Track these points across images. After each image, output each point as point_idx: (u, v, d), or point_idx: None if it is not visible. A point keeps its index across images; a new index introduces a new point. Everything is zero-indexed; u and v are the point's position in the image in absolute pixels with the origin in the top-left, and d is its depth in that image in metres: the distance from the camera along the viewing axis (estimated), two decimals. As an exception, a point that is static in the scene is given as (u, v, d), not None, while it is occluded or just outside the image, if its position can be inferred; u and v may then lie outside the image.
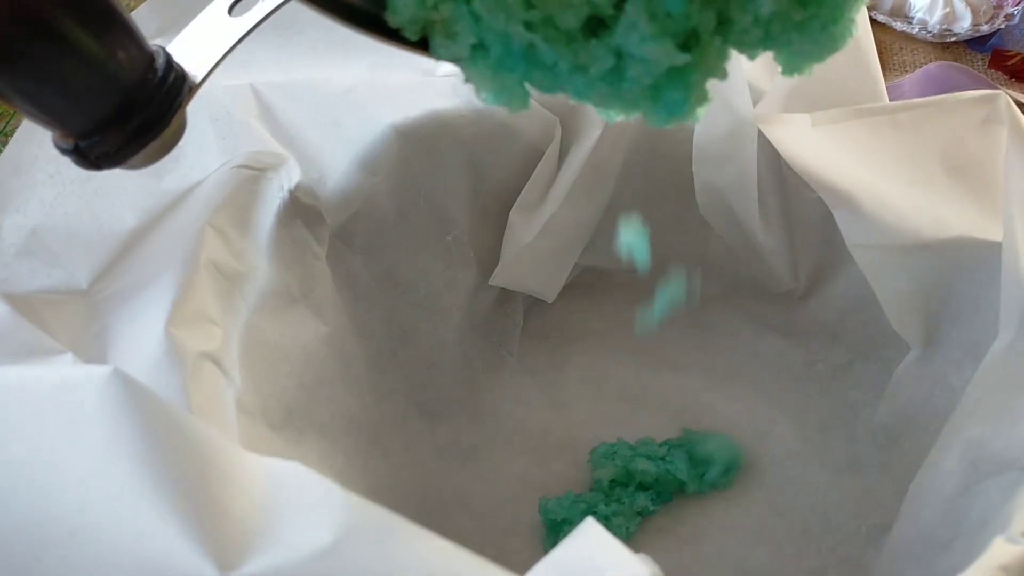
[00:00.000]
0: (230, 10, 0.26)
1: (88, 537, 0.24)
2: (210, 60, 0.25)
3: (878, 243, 0.40)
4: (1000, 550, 0.27)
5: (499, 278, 0.51)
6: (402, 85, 0.45)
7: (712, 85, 0.43)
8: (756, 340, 0.53)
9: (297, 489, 0.26)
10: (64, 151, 0.24)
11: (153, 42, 0.38)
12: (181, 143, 0.39)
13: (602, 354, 0.54)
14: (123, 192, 0.38)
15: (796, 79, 0.42)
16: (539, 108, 0.49)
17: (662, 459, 0.47)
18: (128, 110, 0.23)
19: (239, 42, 0.26)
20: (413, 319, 0.49)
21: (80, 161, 0.24)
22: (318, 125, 0.43)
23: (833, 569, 0.44)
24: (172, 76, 0.24)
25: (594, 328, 0.55)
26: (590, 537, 0.26)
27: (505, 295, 0.54)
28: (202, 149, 0.40)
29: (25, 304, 0.33)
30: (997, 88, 0.45)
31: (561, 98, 0.47)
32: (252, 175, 0.40)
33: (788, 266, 0.49)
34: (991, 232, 0.38)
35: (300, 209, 0.43)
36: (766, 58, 0.44)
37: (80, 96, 0.22)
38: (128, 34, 0.23)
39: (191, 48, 0.25)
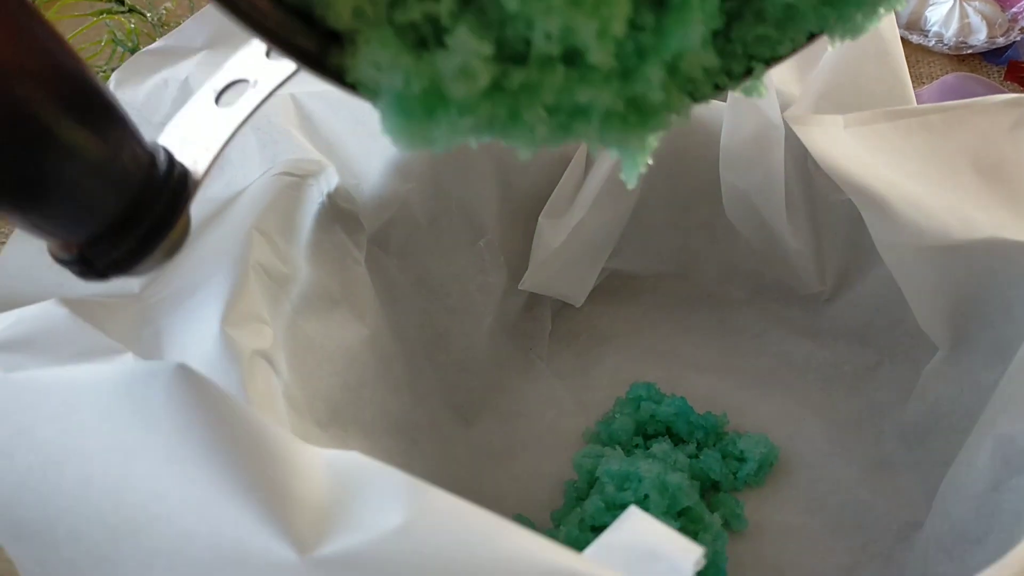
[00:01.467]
0: (217, 100, 0.26)
1: (165, 524, 0.24)
2: (209, 154, 0.24)
3: (908, 243, 0.41)
4: None
5: (528, 282, 0.52)
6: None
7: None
8: (783, 342, 0.53)
9: (361, 476, 0.26)
10: (64, 263, 0.22)
11: (198, 55, 0.39)
12: (226, 152, 0.41)
13: (629, 357, 0.55)
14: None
15: (825, 82, 0.43)
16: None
17: (695, 457, 0.48)
18: (136, 212, 0.22)
19: (235, 134, 0.25)
20: (447, 322, 0.50)
21: (85, 271, 0.22)
22: (355, 133, 0.44)
23: (865, 566, 0.44)
24: (176, 173, 0.23)
25: (621, 331, 0.56)
26: (637, 522, 0.27)
27: (534, 299, 0.55)
28: (245, 157, 0.41)
29: (82, 307, 0.33)
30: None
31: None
32: (294, 181, 0.41)
33: (815, 268, 0.50)
34: (1021, 233, 0.39)
35: (339, 214, 0.43)
36: (793, 63, 0.46)
37: (85, 201, 0.21)
38: (129, 131, 0.21)
39: (185, 142, 0.25)
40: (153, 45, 0.39)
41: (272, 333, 0.36)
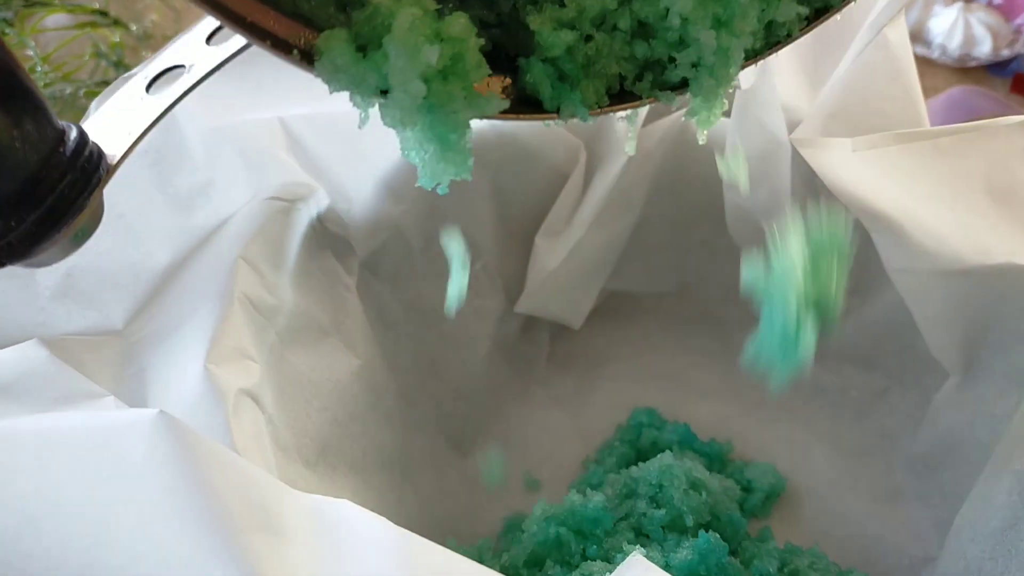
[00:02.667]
0: (148, 88, 0.25)
1: (143, 588, 0.23)
2: (129, 139, 0.23)
3: (919, 268, 0.40)
4: None
5: (525, 305, 0.51)
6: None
7: (747, 104, 0.43)
8: (788, 365, 0.52)
9: (349, 530, 0.25)
10: None
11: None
12: (212, 176, 0.39)
13: (630, 381, 0.53)
14: (154, 230, 0.38)
15: (835, 101, 0.42)
16: (563, 132, 0.48)
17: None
18: (36, 191, 0.20)
19: (158, 119, 0.24)
20: (441, 349, 0.48)
21: None
22: (346, 156, 0.43)
23: (875, 603, 0.43)
24: (86, 152, 0.22)
25: (621, 354, 0.55)
26: (640, 572, 0.26)
27: (530, 322, 0.54)
28: (231, 183, 0.39)
29: (62, 348, 0.32)
30: (1022, 113, 0.45)
31: (586, 123, 0.47)
32: (283, 206, 0.40)
33: (820, 291, 0.49)
34: (1035, 258, 0.37)
35: (330, 239, 0.42)
36: (804, 79, 0.44)
37: None
38: (33, 103, 0.20)
39: (108, 127, 0.23)
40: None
41: (259, 369, 0.35)
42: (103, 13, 0.67)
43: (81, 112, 0.65)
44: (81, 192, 0.21)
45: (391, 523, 0.25)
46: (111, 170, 0.23)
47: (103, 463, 0.25)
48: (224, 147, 0.39)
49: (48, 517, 0.25)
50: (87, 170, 0.22)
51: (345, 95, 0.40)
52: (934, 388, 0.45)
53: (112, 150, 0.23)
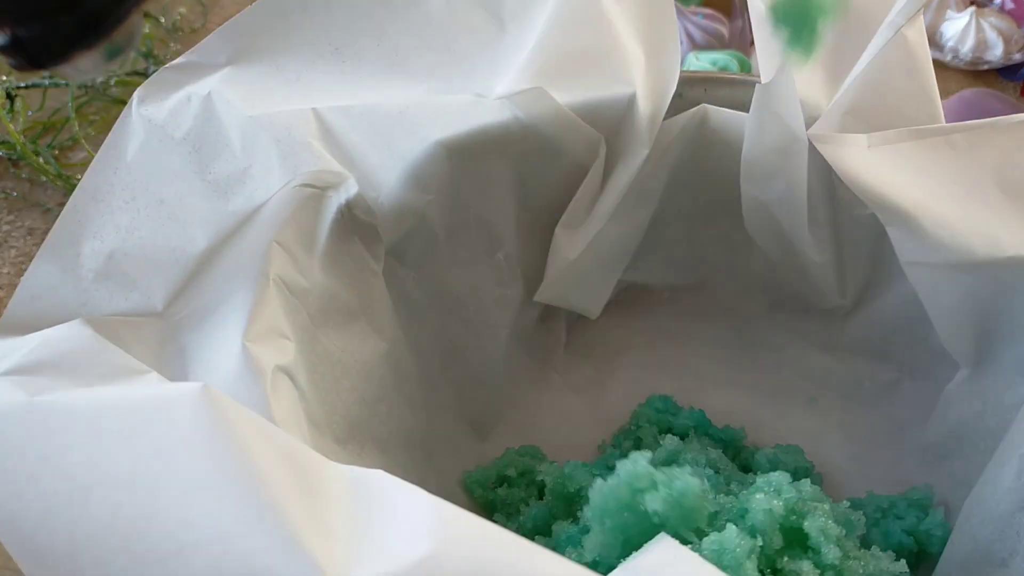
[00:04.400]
0: None
1: (193, 554, 0.24)
2: None
3: (932, 261, 0.41)
4: None
5: (544, 294, 0.52)
6: (453, 105, 0.46)
7: (766, 98, 0.44)
8: (802, 357, 0.53)
9: (387, 498, 0.26)
10: (2, 49, 0.21)
11: (222, 71, 0.39)
12: (248, 164, 0.41)
13: (645, 370, 0.55)
14: (193, 215, 0.39)
15: (852, 98, 0.43)
16: (584, 126, 0.49)
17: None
18: (69, 1, 0.21)
19: None
20: (463, 336, 0.50)
21: (18, 58, 0.21)
22: (375, 145, 0.44)
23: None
24: None
25: (637, 344, 0.56)
26: (667, 550, 0.27)
27: (548, 311, 0.55)
28: (267, 170, 0.41)
29: (105, 327, 0.33)
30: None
31: (606, 116, 0.48)
32: (314, 193, 0.41)
33: (835, 282, 0.50)
34: (1046, 252, 0.38)
35: (358, 226, 0.43)
36: (823, 75, 0.45)
37: None
38: None
39: None
40: (176, 60, 0.39)
41: (293, 347, 0.36)
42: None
43: (112, 101, 0.67)
44: (119, 5, 0.22)
45: (426, 493, 0.26)
46: None
47: (150, 435, 0.26)
48: (260, 136, 0.40)
49: (98, 486, 0.26)
50: None
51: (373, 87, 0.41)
52: (945, 380, 0.46)
53: None
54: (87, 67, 0.23)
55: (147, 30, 0.68)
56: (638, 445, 0.48)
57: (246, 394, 0.32)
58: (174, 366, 0.34)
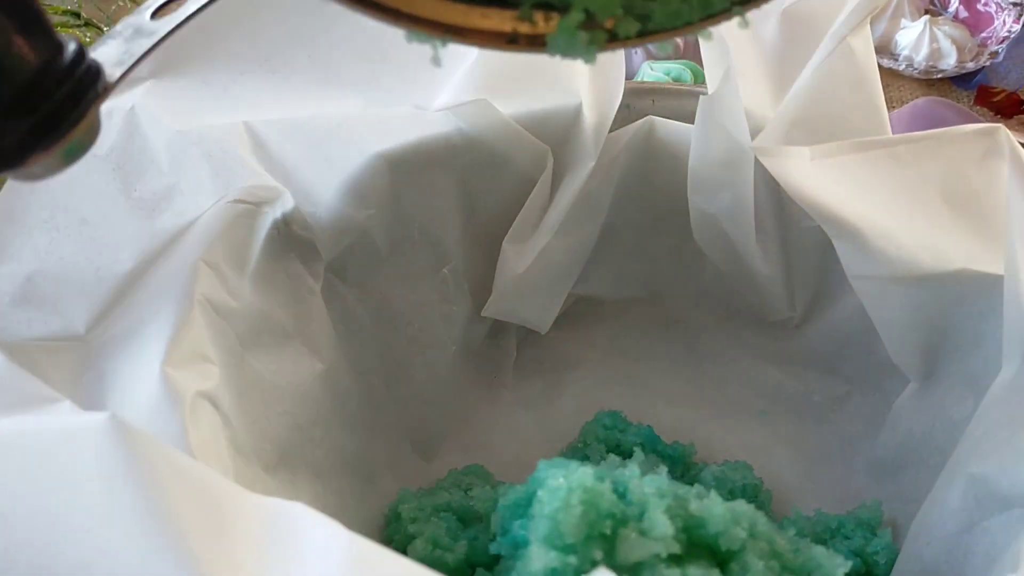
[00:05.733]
0: (153, 16, 0.25)
1: (91, 597, 0.23)
2: (130, 59, 0.24)
3: (878, 274, 0.40)
4: None
5: (492, 309, 0.51)
6: (393, 117, 0.45)
7: (711, 110, 0.43)
8: (752, 370, 0.52)
9: (302, 535, 0.25)
10: None
11: (144, 84, 0.38)
12: (177, 180, 0.39)
13: (596, 385, 0.54)
14: (117, 234, 0.38)
15: (798, 109, 0.42)
16: (529, 138, 0.48)
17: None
18: (31, 97, 0.21)
19: (159, 43, 0.24)
20: (408, 353, 0.48)
21: None
22: (312, 159, 0.43)
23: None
24: (84, 65, 0.22)
25: (588, 358, 0.55)
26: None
27: (498, 327, 0.54)
28: (196, 186, 0.39)
29: (21, 352, 0.32)
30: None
31: (552, 128, 0.47)
32: (247, 209, 0.40)
33: (784, 295, 0.49)
34: (992, 265, 0.38)
35: (295, 242, 0.42)
36: (768, 86, 0.45)
37: None
38: (31, 12, 0.20)
39: (110, 50, 0.24)
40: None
41: (218, 372, 0.35)
42: (75, 14, 0.67)
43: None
44: (77, 103, 0.21)
45: (343, 527, 0.25)
46: (109, 87, 0.23)
47: (52, 468, 0.25)
48: (189, 151, 0.39)
49: None
50: (84, 83, 0.22)
51: (307, 100, 0.40)
52: (894, 393, 0.45)
53: (112, 70, 0.23)
54: (44, 171, 0.22)
55: (88, 39, 0.66)
56: (585, 462, 0.47)
57: (162, 422, 0.31)
58: (92, 392, 0.33)
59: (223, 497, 0.26)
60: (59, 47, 0.21)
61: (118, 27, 0.25)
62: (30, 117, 0.21)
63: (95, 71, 0.22)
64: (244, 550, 0.24)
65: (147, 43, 0.24)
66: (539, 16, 0.23)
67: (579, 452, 0.49)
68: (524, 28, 0.23)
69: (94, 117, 0.22)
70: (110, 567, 0.24)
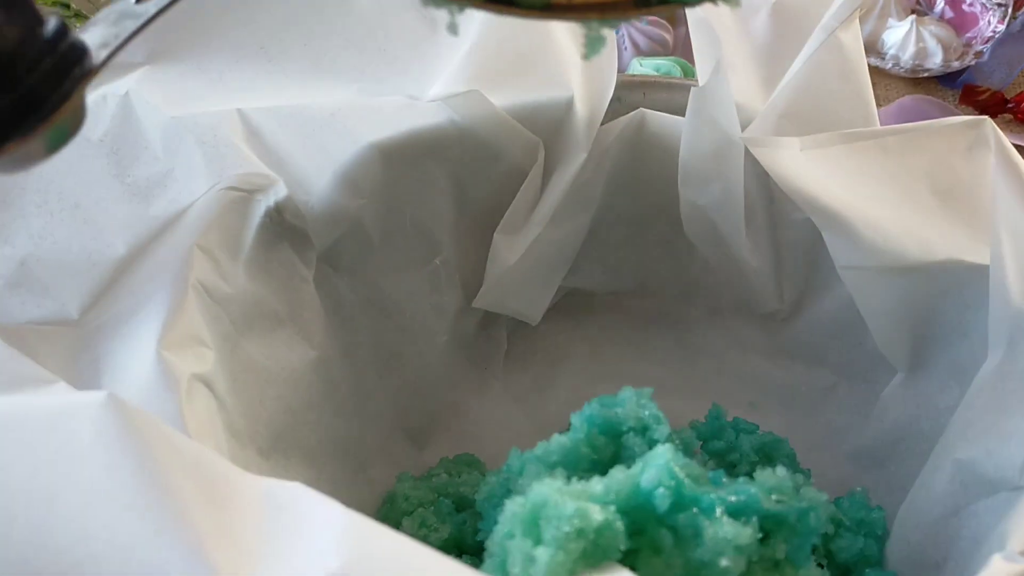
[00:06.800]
0: (138, 0, 0.24)
1: (92, 568, 0.23)
2: (116, 40, 0.22)
3: (866, 265, 0.41)
4: (999, 568, 0.27)
5: (483, 300, 0.51)
6: (386, 107, 0.45)
7: (701, 102, 0.44)
8: (741, 362, 0.53)
9: (300, 511, 0.25)
10: None
11: (139, 70, 0.37)
12: (171, 166, 0.39)
13: (586, 377, 0.54)
14: (111, 220, 0.38)
15: (788, 102, 0.43)
16: (522, 130, 0.48)
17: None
18: (12, 70, 0.19)
19: (144, 25, 0.23)
20: (399, 343, 0.49)
21: None
22: (305, 147, 0.43)
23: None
24: (67, 43, 0.20)
25: (578, 351, 0.55)
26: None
27: (489, 318, 0.54)
28: (190, 173, 0.39)
29: (16, 335, 0.32)
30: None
31: (544, 120, 0.47)
32: (241, 197, 0.40)
33: (773, 287, 0.50)
34: (977, 255, 0.38)
35: (288, 231, 0.42)
36: (758, 79, 0.45)
37: None
38: None
39: (97, 32, 0.23)
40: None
41: (212, 355, 0.35)
42: (65, 5, 0.67)
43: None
44: (61, 81, 0.20)
45: (342, 505, 0.25)
46: (96, 68, 0.21)
47: (50, 444, 0.25)
48: (183, 137, 0.39)
49: None
50: (68, 59, 0.20)
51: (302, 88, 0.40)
52: (881, 384, 0.46)
53: (99, 52, 0.22)
54: (26, 159, 0.21)
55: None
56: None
57: (159, 403, 0.31)
58: (87, 376, 0.33)
59: (221, 475, 0.26)
60: (39, 20, 0.20)
61: (102, 12, 0.24)
62: (9, 93, 0.19)
63: (80, 49, 0.21)
64: (243, 525, 0.24)
65: (133, 25, 0.23)
66: None
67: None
68: None
69: (79, 101, 0.21)
70: (108, 541, 0.24)
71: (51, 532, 0.24)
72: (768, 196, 0.46)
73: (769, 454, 0.44)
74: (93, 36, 0.23)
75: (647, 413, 0.37)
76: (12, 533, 0.24)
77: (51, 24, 0.20)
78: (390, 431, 0.48)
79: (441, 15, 0.44)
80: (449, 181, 0.48)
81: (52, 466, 0.25)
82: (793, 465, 0.45)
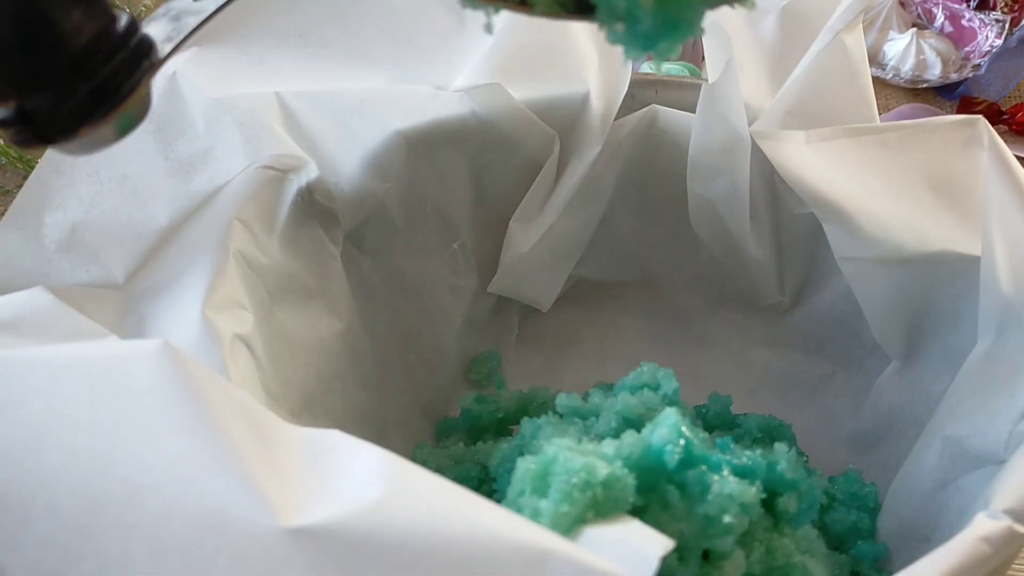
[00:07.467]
0: None
1: (149, 495, 0.25)
2: (178, 36, 0.24)
3: (864, 256, 0.43)
4: (982, 524, 0.29)
5: (497, 285, 0.53)
6: (412, 96, 0.47)
7: (711, 99, 0.46)
8: (744, 351, 0.55)
9: (341, 452, 0.27)
10: (4, 123, 0.21)
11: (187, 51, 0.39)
12: (211, 145, 0.41)
13: (594, 363, 0.56)
14: (156, 192, 0.40)
15: (793, 99, 0.45)
16: (539, 123, 0.50)
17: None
18: (89, 62, 0.21)
19: (204, 22, 0.25)
20: (418, 322, 0.51)
21: (24, 133, 0.21)
22: (337, 131, 0.45)
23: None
24: (138, 36, 0.22)
25: (587, 337, 0.57)
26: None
27: (502, 303, 0.56)
28: (229, 152, 0.42)
29: (67, 295, 0.34)
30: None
31: (560, 114, 0.49)
32: (275, 175, 0.42)
33: (775, 279, 0.52)
34: (970, 247, 0.40)
35: (317, 210, 0.44)
36: (766, 78, 0.47)
37: (25, 40, 0.20)
38: None
39: (159, 27, 0.24)
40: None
41: (252, 319, 0.37)
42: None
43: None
44: (133, 71, 0.22)
45: (380, 448, 0.27)
46: (161, 61, 0.23)
47: (111, 384, 0.27)
48: (224, 118, 0.41)
49: (56, 432, 0.26)
50: (138, 52, 0.22)
51: (336, 74, 0.42)
52: (876, 372, 0.48)
53: (162, 46, 0.23)
54: (97, 143, 0.22)
55: None
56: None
57: (205, 357, 0.33)
58: (133, 335, 0.35)
59: (266, 420, 0.28)
60: (113, 17, 0.22)
61: (162, 9, 0.26)
62: (88, 82, 0.21)
63: (148, 43, 0.23)
64: (289, 463, 0.26)
65: (194, 21, 0.25)
66: None
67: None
68: None
69: (146, 90, 0.23)
70: (164, 471, 0.25)
71: (110, 462, 0.26)
72: (772, 192, 0.48)
73: (772, 435, 0.46)
74: (157, 31, 0.25)
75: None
76: (72, 466, 0.26)
77: (123, 20, 0.22)
78: (408, 405, 0.50)
79: (470, 13, 0.46)
80: (468, 169, 0.51)
81: (113, 404, 0.27)
82: (794, 447, 0.47)
